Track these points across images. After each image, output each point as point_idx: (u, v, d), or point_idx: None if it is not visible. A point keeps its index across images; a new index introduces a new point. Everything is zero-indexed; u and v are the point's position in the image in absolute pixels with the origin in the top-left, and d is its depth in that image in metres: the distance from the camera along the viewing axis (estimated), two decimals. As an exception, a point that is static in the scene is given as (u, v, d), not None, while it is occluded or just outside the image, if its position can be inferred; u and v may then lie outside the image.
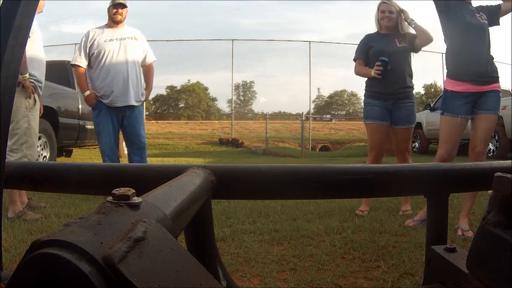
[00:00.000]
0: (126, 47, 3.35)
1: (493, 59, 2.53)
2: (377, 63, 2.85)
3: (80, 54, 3.31)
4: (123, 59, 3.33)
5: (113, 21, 3.36)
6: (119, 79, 3.31)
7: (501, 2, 2.52)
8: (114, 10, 3.32)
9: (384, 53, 2.88)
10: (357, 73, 3.08)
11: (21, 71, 2.65)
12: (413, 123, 3.07)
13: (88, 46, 3.30)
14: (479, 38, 2.47)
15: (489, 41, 2.51)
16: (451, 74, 2.56)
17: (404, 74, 2.93)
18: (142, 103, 3.56)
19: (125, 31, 3.41)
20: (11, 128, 2.64)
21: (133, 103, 3.39)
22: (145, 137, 3.59)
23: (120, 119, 3.39)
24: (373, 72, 2.87)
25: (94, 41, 3.29)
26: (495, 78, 2.49)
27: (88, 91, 3.33)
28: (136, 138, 3.48)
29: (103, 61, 3.29)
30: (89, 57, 3.32)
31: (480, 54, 2.46)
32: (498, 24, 2.54)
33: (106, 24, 3.40)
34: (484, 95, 2.45)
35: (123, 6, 3.35)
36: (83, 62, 3.31)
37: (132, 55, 3.39)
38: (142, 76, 3.50)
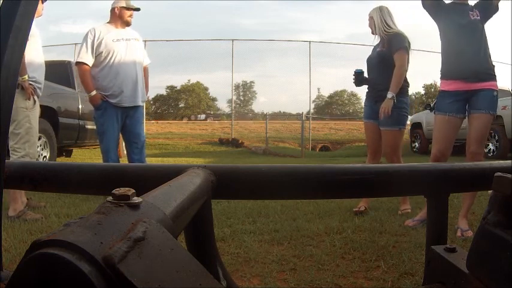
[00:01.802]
0: (131, 47, 3.37)
1: (489, 56, 2.49)
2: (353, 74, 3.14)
3: (87, 52, 3.24)
4: (131, 60, 3.35)
5: (126, 23, 3.39)
6: (129, 80, 3.33)
7: None
8: (129, 13, 3.37)
9: (368, 61, 3.16)
10: None
11: (20, 72, 2.67)
12: (395, 127, 2.95)
13: (96, 45, 3.26)
14: (468, 37, 2.46)
15: (483, 39, 2.48)
16: (442, 74, 2.59)
17: (380, 78, 3.00)
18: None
19: (128, 32, 3.43)
20: (13, 128, 2.67)
21: (140, 103, 3.44)
22: (144, 136, 3.62)
23: (123, 118, 3.40)
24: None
25: (102, 40, 3.26)
26: (489, 76, 2.46)
27: (94, 91, 3.29)
28: (137, 137, 3.49)
29: (112, 61, 3.28)
30: (95, 56, 3.28)
31: (469, 51, 2.45)
32: (497, 10, 2.50)
33: (110, 24, 3.39)
34: (476, 93, 2.43)
35: (138, 10, 3.44)
36: (89, 60, 3.25)
37: (137, 56, 3.43)
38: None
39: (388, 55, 2.94)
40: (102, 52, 3.26)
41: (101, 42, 3.26)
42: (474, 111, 2.44)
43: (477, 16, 2.47)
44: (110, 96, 3.31)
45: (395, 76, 2.87)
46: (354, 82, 3.13)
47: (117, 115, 3.34)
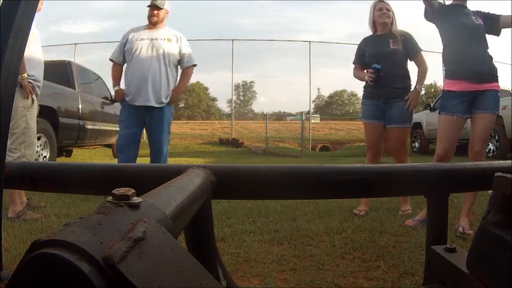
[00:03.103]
0: (155, 47, 3.33)
1: (492, 58, 2.52)
2: (370, 70, 2.97)
3: (116, 50, 3.44)
4: (149, 59, 3.32)
5: (149, 23, 3.40)
6: (140, 78, 3.31)
7: (502, 14, 2.53)
8: (150, 12, 3.38)
9: (376, 55, 2.98)
10: (355, 77, 3.21)
11: (19, 70, 2.64)
12: (407, 124, 2.97)
13: (123, 43, 3.40)
14: (473, 38, 2.48)
15: (485, 41, 2.51)
16: (447, 74, 2.60)
17: (395, 75, 2.94)
18: (168, 106, 3.43)
19: (160, 32, 3.39)
20: (9, 127, 2.63)
21: (153, 104, 3.31)
22: (164, 141, 3.43)
23: (142, 119, 3.37)
24: (366, 78, 3.01)
25: (128, 39, 3.37)
26: (493, 77, 2.49)
27: (117, 87, 3.41)
28: (153, 142, 3.43)
29: (131, 59, 3.35)
30: (123, 54, 3.41)
31: (474, 53, 2.47)
32: (498, 34, 2.53)
33: (145, 25, 3.45)
34: (481, 94, 2.45)
35: (157, 8, 3.35)
36: (117, 58, 3.43)
37: (161, 56, 3.33)
38: (171, 79, 3.42)
39: (404, 54, 2.96)
40: (126, 51, 3.37)
41: (127, 41, 3.38)
42: (479, 111, 2.45)
43: (480, 21, 2.49)
44: (126, 93, 3.37)
45: (422, 73, 3.02)
46: (371, 80, 2.93)
47: (134, 114, 3.33)
